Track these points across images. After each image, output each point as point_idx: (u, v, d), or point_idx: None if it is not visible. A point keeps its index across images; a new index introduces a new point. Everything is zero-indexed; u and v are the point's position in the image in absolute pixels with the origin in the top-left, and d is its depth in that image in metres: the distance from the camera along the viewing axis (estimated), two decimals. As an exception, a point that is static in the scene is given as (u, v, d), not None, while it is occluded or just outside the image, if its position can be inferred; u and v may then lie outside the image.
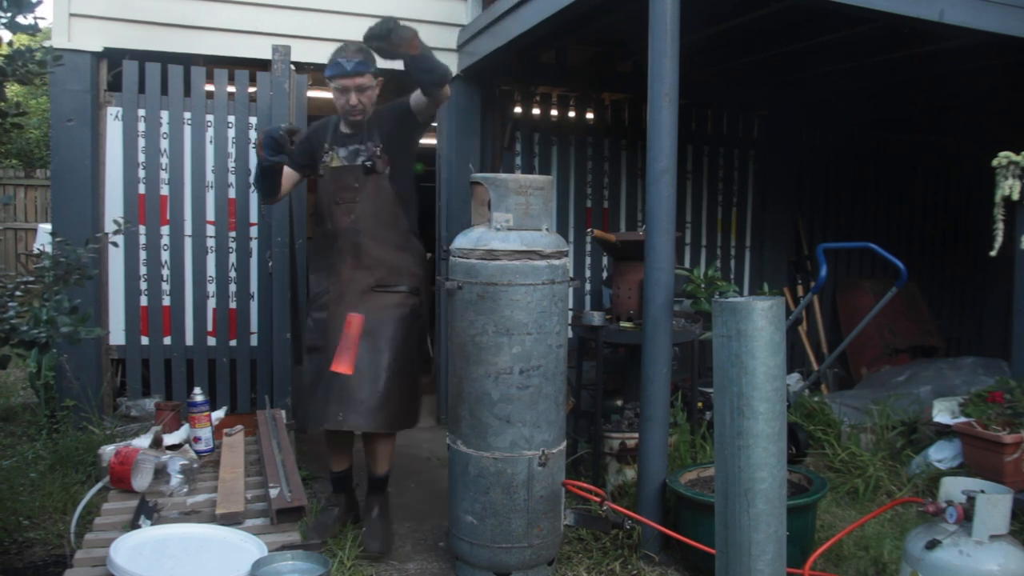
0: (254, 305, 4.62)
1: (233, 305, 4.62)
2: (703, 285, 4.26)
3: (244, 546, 1.99)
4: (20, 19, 2.47)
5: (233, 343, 4.61)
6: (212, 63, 4.57)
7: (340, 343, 2.93)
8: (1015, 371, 3.77)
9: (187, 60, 4.50)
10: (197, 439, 2.99)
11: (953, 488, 2.41)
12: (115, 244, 4.22)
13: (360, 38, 2.76)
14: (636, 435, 3.32)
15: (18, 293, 2.54)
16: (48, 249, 2.69)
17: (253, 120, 4.55)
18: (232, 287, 4.62)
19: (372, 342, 2.97)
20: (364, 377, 2.94)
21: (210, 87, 4.53)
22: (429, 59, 2.80)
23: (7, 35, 2.69)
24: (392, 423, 3.03)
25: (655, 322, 3.03)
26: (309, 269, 3.33)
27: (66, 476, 3.56)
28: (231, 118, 4.55)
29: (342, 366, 2.89)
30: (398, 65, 2.86)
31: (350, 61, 3.01)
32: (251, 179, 2.64)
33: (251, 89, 4.60)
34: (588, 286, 5.55)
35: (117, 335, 4.47)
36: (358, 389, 2.93)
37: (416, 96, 3.05)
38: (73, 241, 2.71)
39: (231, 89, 4.59)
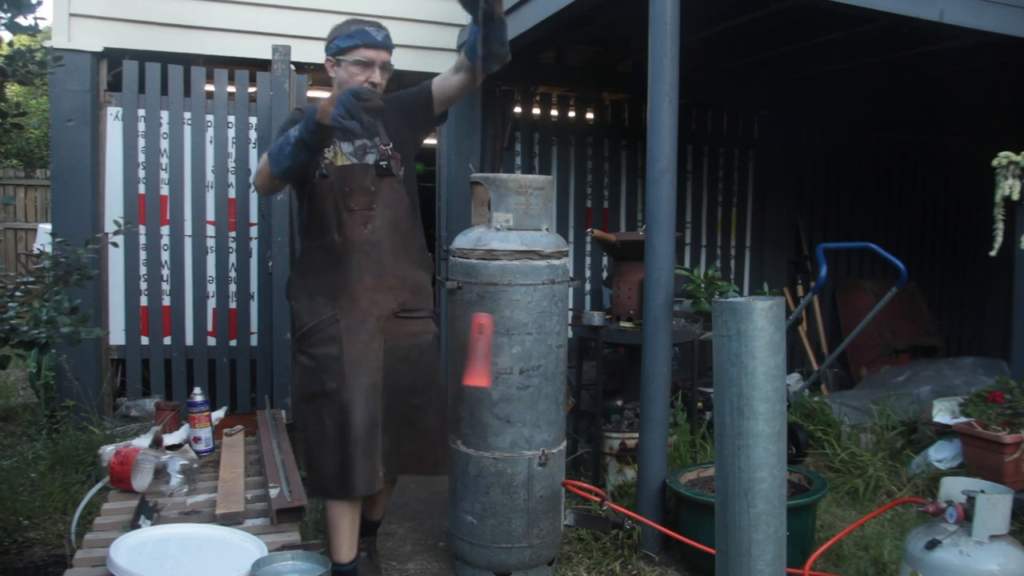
0: (254, 305, 4.62)
1: (233, 305, 4.62)
2: (703, 285, 4.27)
3: (244, 546, 1.99)
4: (20, 20, 2.48)
5: (233, 343, 4.61)
6: (212, 63, 4.57)
7: (473, 351, 2.50)
8: (1015, 371, 3.77)
9: (187, 60, 4.50)
10: (197, 439, 2.99)
11: (953, 488, 2.42)
12: (115, 244, 4.21)
13: None
14: (636, 435, 3.32)
15: (18, 293, 2.54)
16: (48, 249, 2.69)
17: (253, 120, 4.56)
18: (232, 287, 4.62)
19: (394, 379, 2.54)
20: (405, 420, 2.55)
21: (210, 87, 4.53)
22: (505, 28, 2.39)
23: (7, 35, 2.69)
24: (441, 465, 2.68)
25: (655, 322, 3.03)
26: (294, 292, 2.59)
27: (66, 476, 3.56)
28: (231, 118, 4.55)
29: (479, 378, 2.49)
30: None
31: (379, 32, 2.54)
32: (267, 156, 2.31)
33: (251, 89, 4.60)
34: (588, 286, 5.55)
35: (117, 335, 4.47)
36: (404, 435, 2.54)
37: (448, 78, 2.62)
38: (73, 241, 2.71)
39: (231, 89, 4.59)
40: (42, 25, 2.60)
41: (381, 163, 2.53)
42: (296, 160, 2.31)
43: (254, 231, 4.61)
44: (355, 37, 2.51)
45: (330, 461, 2.42)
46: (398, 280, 2.56)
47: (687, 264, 5.78)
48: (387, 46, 2.54)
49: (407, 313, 2.57)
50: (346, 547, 2.54)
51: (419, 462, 2.62)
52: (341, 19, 2.71)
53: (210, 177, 4.55)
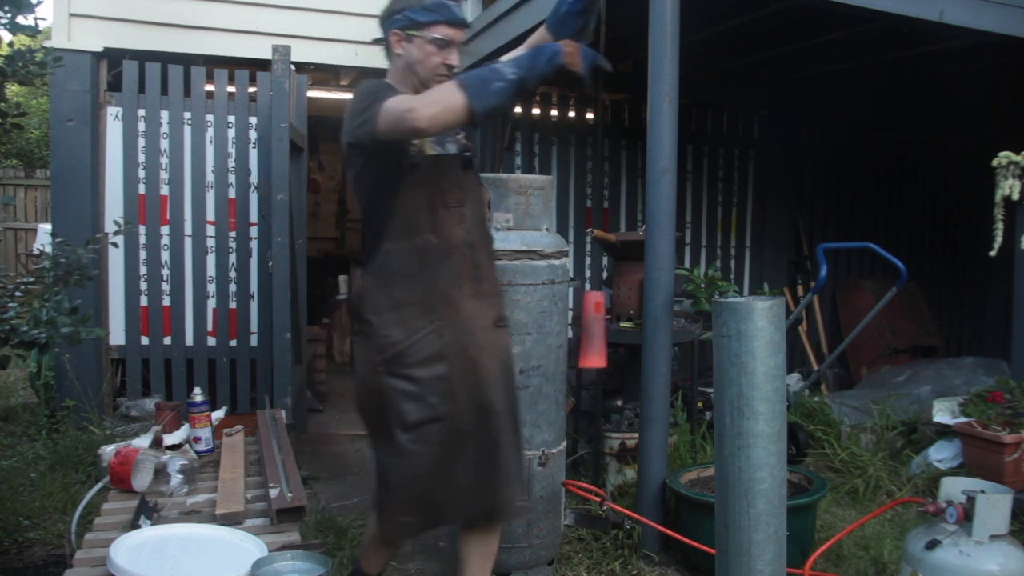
0: (254, 305, 4.63)
1: (233, 305, 4.62)
2: (703, 285, 4.26)
3: (244, 546, 1.99)
4: (20, 19, 2.48)
5: (233, 343, 4.61)
6: (212, 63, 4.57)
7: (588, 331, 2.26)
8: (1015, 371, 3.77)
9: (187, 60, 4.50)
10: (197, 439, 2.99)
11: (953, 488, 2.41)
12: (115, 244, 4.22)
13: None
14: (636, 435, 3.32)
15: (18, 293, 2.54)
16: (48, 249, 2.69)
17: (253, 120, 4.56)
18: (232, 287, 4.62)
19: (509, 399, 2.25)
20: (508, 448, 2.21)
21: (210, 87, 4.53)
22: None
23: (7, 35, 2.69)
24: (519, 510, 2.30)
25: (655, 322, 3.03)
26: (373, 306, 2.16)
27: (66, 476, 3.56)
28: (231, 118, 4.55)
29: (597, 359, 2.29)
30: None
31: (460, 7, 2.21)
32: (456, 87, 1.93)
33: (251, 89, 4.61)
34: (588, 286, 5.55)
35: (117, 335, 4.47)
36: (510, 459, 2.20)
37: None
38: (73, 241, 2.71)
39: (231, 89, 4.59)
40: (42, 25, 2.60)
41: (466, 154, 2.27)
42: (507, 99, 1.97)
43: (254, 231, 4.61)
44: (435, 11, 2.14)
45: (445, 492, 2.14)
46: (492, 287, 2.28)
47: (687, 264, 5.78)
48: (468, 24, 2.22)
49: (501, 323, 2.28)
50: (382, 564, 2.42)
51: (507, 505, 2.22)
52: (341, 20, 2.65)
53: (210, 177, 4.55)
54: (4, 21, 2.46)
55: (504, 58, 2.07)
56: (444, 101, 1.93)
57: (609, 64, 1.96)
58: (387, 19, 2.19)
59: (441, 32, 2.14)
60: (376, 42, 2.30)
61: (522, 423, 2.43)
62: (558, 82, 1.95)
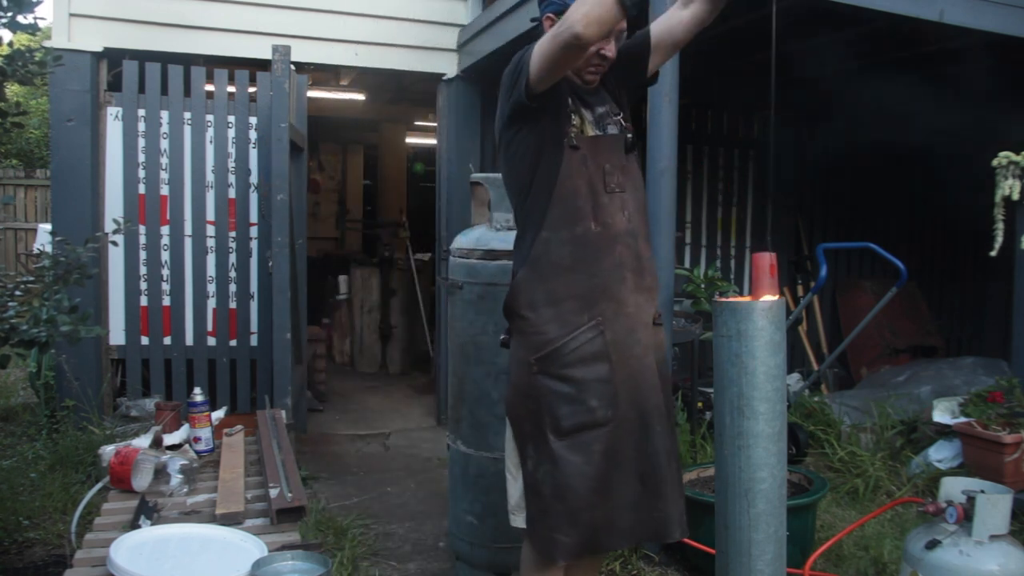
0: (254, 305, 4.62)
1: (233, 305, 4.62)
2: (703, 285, 4.26)
3: (244, 546, 1.99)
4: (20, 19, 2.48)
5: (233, 343, 4.61)
6: (212, 63, 4.57)
7: (757, 280, 1.96)
8: (1015, 371, 3.77)
9: (187, 60, 4.50)
10: (197, 439, 2.99)
11: (953, 488, 2.41)
12: (115, 244, 4.22)
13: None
14: (636, 435, 3.31)
15: (18, 293, 2.54)
16: (48, 249, 2.69)
17: (253, 120, 4.56)
18: (232, 287, 4.62)
19: (667, 407, 2.07)
20: (669, 459, 2.03)
21: (210, 87, 4.53)
22: None
23: (7, 35, 2.70)
24: (682, 528, 2.10)
25: (655, 322, 3.03)
26: (528, 300, 1.99)
27: (66, 476, 3.56)
28: (231, 118, 4.55)
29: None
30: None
31: None
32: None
33: (251, 89, 4.60)
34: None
35: (117, 335, 4.47)
36: (672, 470, 2.02)
37: (673, 17, 2.12)
38: (73, 241, 2.71)
39: (231, 89, 4.59)
40: (42, 25, 2.60)
41: (629, 135, 2.09)
42: (564, 63, 1.81)
43: (254, 231, 4.61)
44: None
45: (603, 509, 1.93)
46: (654, 279, 2.10)
47: (687, 264, 5.78)
48: (635, 9, 1.84)
49: (660, 321, 2.11)
50: None
51: (672, 523, 2.04)
52: (341, 20, 2.63)
53: (210, 177, 4.55)
54: (4, 20, 2.46)
55: None
56: (602, 3, 1.72)
57: None
58: (548, 2, 2.04)
59: None
60: (533, 22, 2.15)
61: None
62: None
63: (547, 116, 1.96)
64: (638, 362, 1.98)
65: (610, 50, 1.99)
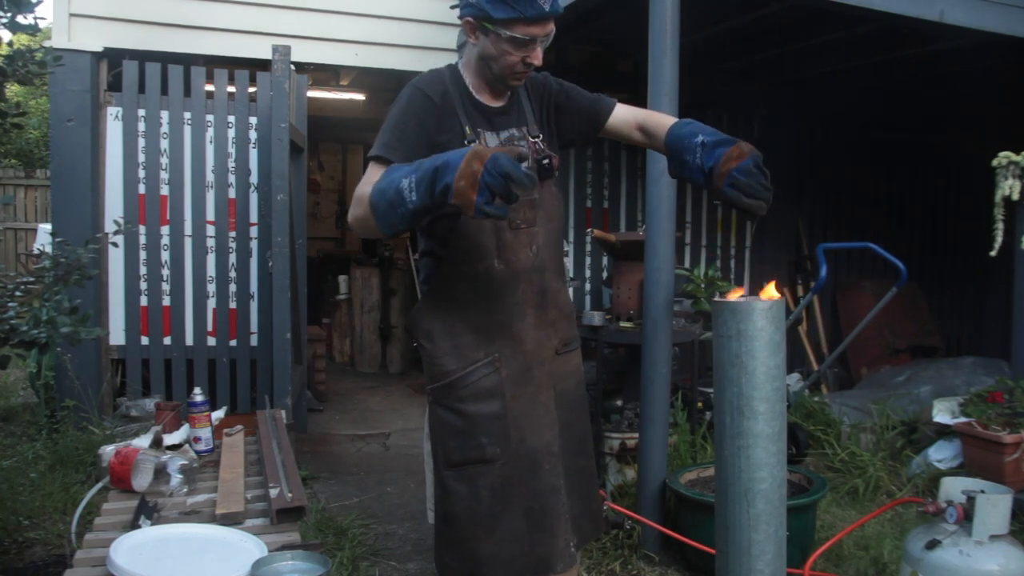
0: (254, 305, 4.63)
1: (233, 305, 4.62)
2: (703, 285, 4.26)
3: (244, 546, 1.99)
4: (20, 19, 2.47)
5: (233, 343, 4.61)
6: (212, 63, 4.57)
7: None
8: (1015, 371, 3.77)
9: (187, 60, 4.50)
10: (197, 439, 2.98)
11: (953, 488, 2.41)
12: (115, 244, 4.22)
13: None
14: (636, 435, 3.31)
15: (18, 293, 2.54)
16: (48, 249, 2.69)
17: (253, 120, 4.56)
18: (232, 287, 4.62)
19: (570, 431, 2.06)
20: (586, 474, 2.10)
21: (210, 87, 4.53)
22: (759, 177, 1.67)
23: (7, 35, 2.69)
24: (601, 525, 2.23)
25: (655, 322, 3.03)
26: (426, 331, 1.97)
27: (66, 476, 3.56)
28: (231, 118, 4.55)
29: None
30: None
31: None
32: (367, 202, 1.63)
33: (251, 89, 4.60)
34: (588, 286, 5.55)
35: (117, 335, 4.47)
36: (563, 506, 2.00)
37: (627, 125, 2.03)
38: (73, 241, 2.71)
39: (231, 89, 4.59)
40: (42, 25, 2.60)
41: (544, 161, 1.94)
42: (413, 224, 1.65)
43: (254, 231, 4.61)
44: (516, 7, 1.76)
45: (486, 541, 1.91)
46: (559, 311, 2.04)
47: (687, 264, 5.78)
48: (556, 14, 1.81)
49: (566, 348, 2.08)
50: None
51: (595, 525, 2.16)
52: (341, 20, 2.58)
53: (210, 177, 4.55)
54: (4, 20, 2.46)
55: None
56: (363, 218, 1.69)
57: (531, 183, 1.49)
58: (466, 3, 1.86)
59: (521, 31, 1.79)
60: (453, 9, 1.98)
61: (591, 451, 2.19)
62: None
63: (439, 145, 1.81)
64: (531, 400, 1.95)
65: (536, 57, 1.85)
